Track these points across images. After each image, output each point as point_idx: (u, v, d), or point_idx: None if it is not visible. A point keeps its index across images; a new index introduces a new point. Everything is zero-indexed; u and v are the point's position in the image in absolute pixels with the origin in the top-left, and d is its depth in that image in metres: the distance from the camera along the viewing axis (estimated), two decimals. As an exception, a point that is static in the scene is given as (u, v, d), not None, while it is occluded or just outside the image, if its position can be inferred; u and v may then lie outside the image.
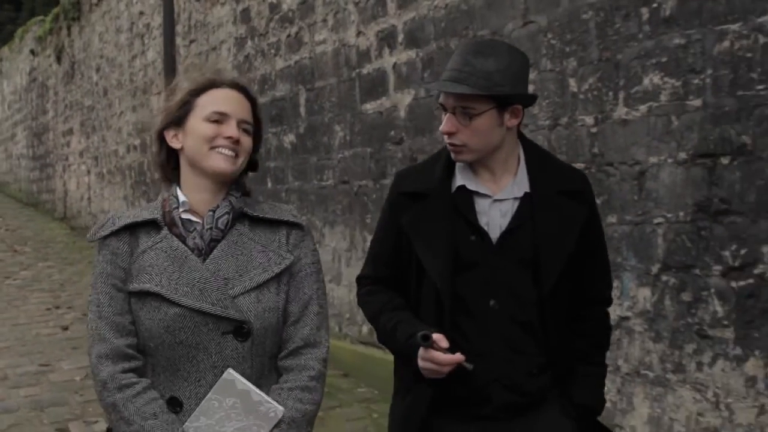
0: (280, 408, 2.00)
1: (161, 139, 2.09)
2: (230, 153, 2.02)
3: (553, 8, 4.32)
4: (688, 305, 3.64)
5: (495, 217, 2.30)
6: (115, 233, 2.02)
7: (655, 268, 3.79)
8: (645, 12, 3.79)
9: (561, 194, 2.32)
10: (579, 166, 4.17)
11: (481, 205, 2.30)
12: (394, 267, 2.39)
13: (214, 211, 2.05)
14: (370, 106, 5.98)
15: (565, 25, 4.25)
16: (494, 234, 2.29)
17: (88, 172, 15.12)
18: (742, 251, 3.40)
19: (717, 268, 3.50)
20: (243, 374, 1.98)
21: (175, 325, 1.96)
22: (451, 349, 2.20)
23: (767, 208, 3.31)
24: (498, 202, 2.31)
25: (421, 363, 2.21)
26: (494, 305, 2.27)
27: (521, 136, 2.41)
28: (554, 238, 2.28)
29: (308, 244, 2.15)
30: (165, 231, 2.03)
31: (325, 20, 6.57)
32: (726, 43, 3.44)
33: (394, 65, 5.66)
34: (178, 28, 9.98)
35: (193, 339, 1.98)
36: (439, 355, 2.17)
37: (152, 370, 2.01)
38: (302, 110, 7.03)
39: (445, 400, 2.30)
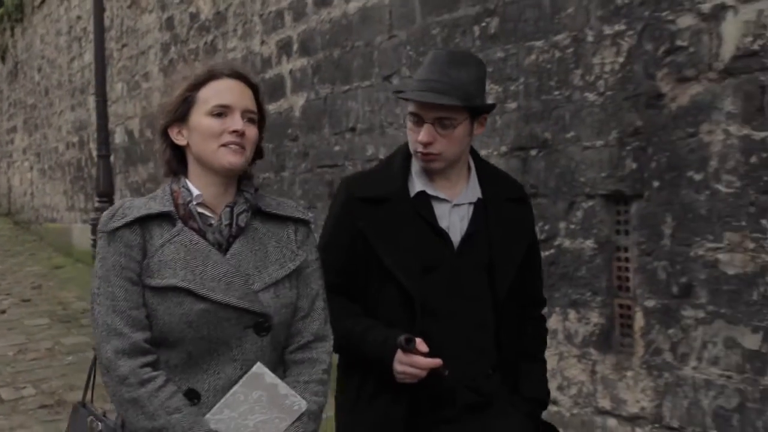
0: (304, 402, 1.98)
1: (165, 135, 1.99)
2: (238, 147, 1.94)
3: (410, 25, 5.02)
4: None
5: (455, 221, 2.32)
6: (126, 225, 1.90)
7: (485, 243, 4.51)
8: (477, 30, 4.50)
9: (509, 201, 2.39)
10: (430, 158, 4.88)
11: (441, 209, 2.32)
12: (345, 275, 2.32)
13: (231, 207, 1.98)
14: (271, 107, 6.62)
15: (419, 39, 4.95)
16: (455, 238, 2.31)
17: (31, 168, 15.49)
18: (546, 227, 4.13)
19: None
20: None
21: (200, 321, 1.89)
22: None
23: (563, 192, 4.04)
24: (457, 206, 2.33)
25: (399, 367, 2.18)
26: (457, 307, 2.28)
27: None
28: (507, 244, 2.34)
29: (312, 240, 2.12)
30: (180, 224, 1.93)
31: (235, 30, 7.20)
32: (533, 56, 4.17)
33: (290, 71, 6.31)
34: (112, 33, 10.50)
35: (215, 334, 1.91)
36: (419, 359, 2.15)
37: (165, 363, 1.92)
38: (218, 110, 7.66)
39: (409, 407, 2.28)
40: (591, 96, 3.87)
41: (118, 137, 10.64)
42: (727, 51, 3.29)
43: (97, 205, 8.85)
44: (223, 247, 1.95)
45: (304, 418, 1.97)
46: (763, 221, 3.20)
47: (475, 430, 2.29)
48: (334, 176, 5.75)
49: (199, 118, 1.93)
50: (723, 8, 3.29)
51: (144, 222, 1.91)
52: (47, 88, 14.10)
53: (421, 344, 2.15)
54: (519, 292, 2.37)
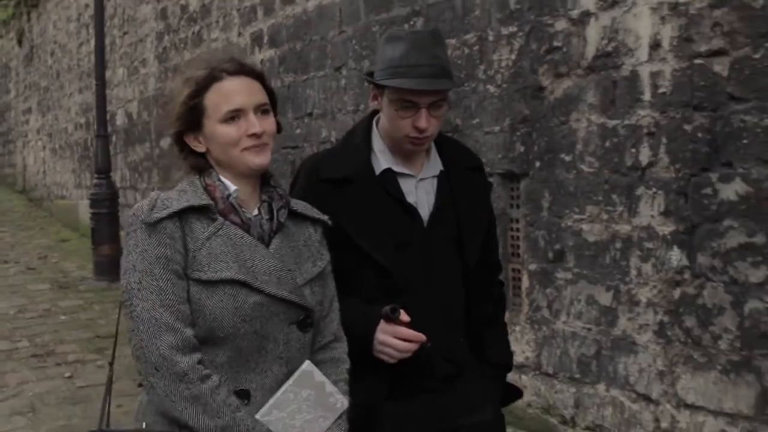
0: (346, 400, 1.94)
1: (182, 143, 1.92)
2: (260, 148, 1.86)
3: (356, 22, 5.60)
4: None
5: (422, 196, 2.28)
6: (169, 216, 1.82)
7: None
8: (407, 27, 5.08)
9: (468, 170, 2.36)
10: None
11: (407, 185, 2.27)
12: None
13: (269, 203, 1.92)
14: (246, 93, 7.22)
15: (363, 34, 5.53)
16: (424, 212, 2.27)
17: (44, 147, 16.19)
18: (458, 201, 4.72)
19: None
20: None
21: (253, 314, 1.82)
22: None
23: (471, 171, 4.62)
24: (422, 181, 2.28)
25: (381, 336, 2.13)
26: (432, 280, 2.25)
27: None
28: (473, 215, 2.32)
29: (326, 242, 2.05)
30: (221, 218, 1.85)
31: (217, 22, 7.80)
32: (449, 52, 4.73)
33: (261, 60, 6.90)
34: (115, 21, 11.13)
35: (265, 329, 1.85)
36: (402, 329, 2.12)
37: (211, 362, 1.82)
38: (202, 95, 8.28)
39: (379, 381, 2.25)
40: (491, 88, 4.45)
41: (119, 119, 11.29)
42: (590, 51, 3.86)
43: (95, 181, 9.47)
44: (265, 242, 1.89)
45: (343, 417, 1.95)
46: (614, 196, 3.78)
47: (450, 398, 2.29)
48: (295, 156, 6.34)
49: (214, 126, 1.85)
50: (588, 15, 3.85)
51: (182, 214, 1.83)
52: (59, 72, 14.78)
53: (404, 315, 2.12)
54: (481, 259, 2.35)
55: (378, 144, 2.27)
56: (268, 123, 1.88)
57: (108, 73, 11.05)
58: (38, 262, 10.72)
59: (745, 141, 3.21)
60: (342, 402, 1.93)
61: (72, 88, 13.81)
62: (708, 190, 3.35)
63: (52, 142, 15.46)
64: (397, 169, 2.25)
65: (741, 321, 3.27)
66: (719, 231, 3.32)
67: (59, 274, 9.87)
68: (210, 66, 1.85)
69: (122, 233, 9.46)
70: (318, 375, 1.89)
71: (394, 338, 2.11)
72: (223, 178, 1.88)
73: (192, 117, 1.85)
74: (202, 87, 1.84)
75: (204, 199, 1.85)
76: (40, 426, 4.88)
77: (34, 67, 16.97)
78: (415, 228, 2.25)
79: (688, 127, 3.41)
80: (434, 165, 2.30)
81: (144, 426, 1.85)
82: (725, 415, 3.36)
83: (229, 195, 1.87)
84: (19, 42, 18.22)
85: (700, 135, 3.37)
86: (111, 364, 2.04)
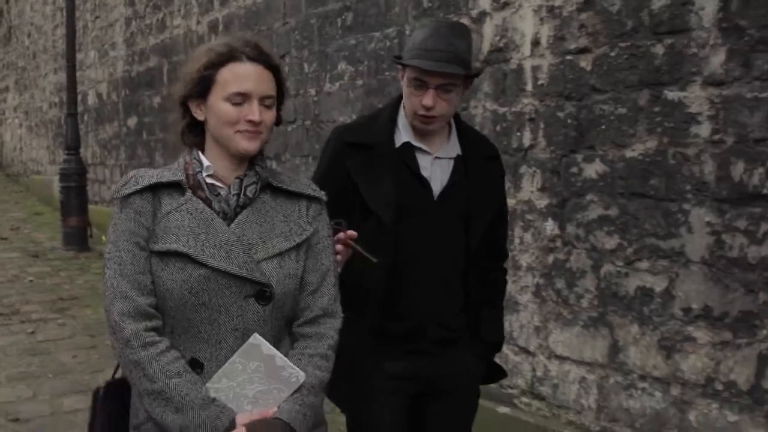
0: (302, 374, 1.90)
1: (185, 106, 1.94)
2: (254, 134, 1.90)
3: (297, 14, 6.01)
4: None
5: (436, 172, 2.39)
6: (138, 192, 1.87)
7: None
8: (339, 21, 5.50)
9: (486, 159, 2.48)
10: (307, 123, 5.91)
11: (423, 160, 2.38)
12: (332, 207, 2.20)
13: (241, 179, 1.94)
14: (203, 77, 7.62)
15: (303, 26, 5.95)
16: (436, 187, 2.38)
17: (20, 125, 16.43)
18: (380, 178, 5.16)
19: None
20: (262, 337, 1.88)
21: (199, 287, 1.84)
22: (398, 292, 2.34)
23: (391, 150, 5.07)
24: (438, 159, 2.39)
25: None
26: (435, 251, 2.37)
27: None
28: (483, 198, 2.42)
29: (325, 217, 2.05)
30: (189, 193, 1.90)
31: (179, 10, 8.16)
32: (373, 44, 5.17)
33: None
34: (87, 6, 11.43)
35: (215, 301, 1.85)
36: (341, 234, 2.18)
37: (170, 331, 1.87)
38: (165, 78, 8.64)
39: (383, 337, 2.37)
40: (408, 77, 4.88)
41: (90, 99, 11.61)
42: (486, 46, 4.30)
43: (65, 157, 9.81)
44: (229, 216, 1.90)
45: (303, 391, 1.89)
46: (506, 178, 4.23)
47: (440, 363, 2.41)
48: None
49: (217, 101, 1.87)
50: (484, 14, 4.30)
51: (156, 190, 1.89)
52: (35, 52, 15.02)
53: (351, 232, 2.19)
54: (488, 243, 2.48)
55: (402, 120, 2.40)
56: (269, 115, 1.91)
57: (80, 55, 11.38)
58: (11, 233, 11.05)
59: (603, 127, 3.68)
60: (297, 376, 1.88)
61: (47, 68, 14.08)
62: (575, 169, 3.82)
63: (29, 119, 15.71)
64: (416, 143, 2.38)
65: (598, 282, 3.75)
66: (583, 204, 3.79)
67: (30, 244, 10.23)
68: (231, 44, 1.88)
69: (90, 207, 9.83)
70: (266, 348, 1.87)
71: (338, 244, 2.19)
72: (201, 156, 1.93)
73: (201, 85, 1.88)
74: (218, 61, 1.87)
75: (177, 176, 1.90)
76: (1, 372, 5.30)
77: (12, 47, 17.16)
78: (425, 199, 2.36)
79: (560, 114, 3.87)
80: (453, 148, 2.42)
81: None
82: (585, 364, 3.84)
83: (198, 172, 1.91)
84: (-2, 22, 18.38)
85: (569, 121, 3.83)
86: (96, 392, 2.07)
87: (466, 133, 2.48)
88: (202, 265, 1.83)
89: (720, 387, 3.26)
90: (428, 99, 2.27)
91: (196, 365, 1.86)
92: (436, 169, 2.39)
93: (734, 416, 3.22)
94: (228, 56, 1.87)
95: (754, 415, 3.15)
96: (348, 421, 2.48)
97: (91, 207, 9.96)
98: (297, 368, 1.89)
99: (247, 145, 1.89)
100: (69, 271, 8.57)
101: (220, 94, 1.87)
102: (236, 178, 1.93)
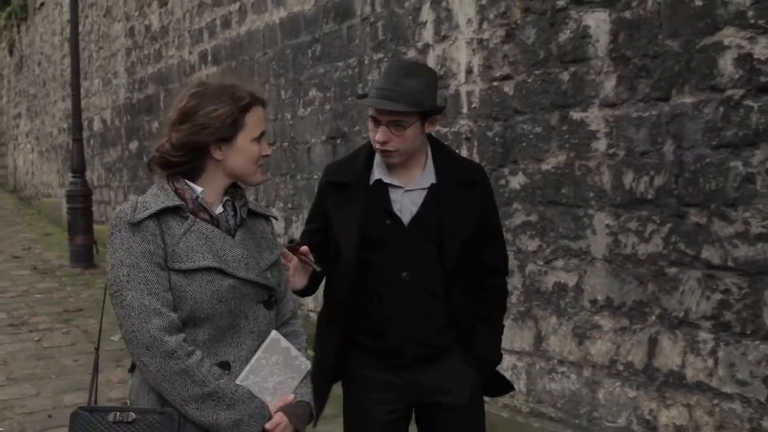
0: (308, 362, 2.17)
1: (203, 149, 2.04)
2: (263, 167, 2.14)
3: (274, 46, 6.58)
4: (327, 225, 5.97)
5: (407, 204, 2.51)
6: (150, 216, 1.98)
7: (314, 205, 6.09)
8: (309, 52, 6.06)
9: (461, 185, 2.55)
10: (285, 144, 6.47)
11: (395, 194, 2.51)
12: (312, 246, 2.48)
13: (233, 202, 2.11)
14: (195, 103, 8.20)
15: (279, 56, 6.51)
16: (406, 218, 2.50)
17: (32, 150, 17.10)
18: (347, 192, 5.70)
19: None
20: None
21: (228, 295, 2.00)
22: (372, 315, 2.53)
23: (355, 168, 5.60)
24: (409, 192, 2.52)
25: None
26: (406, 276, 2.49)
27: (429, 136, 2.61)
28: (455, 223, 2.51)
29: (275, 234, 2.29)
30: (192, 217, 2.02)
31: (173, 41, 8.76)
32: (338, 73, 5.72)
33: (206, 76, 7.87)
34: (92, 37, 12.08)
35: (238, 308, 2.03)
36: (286, 252, 2.36)
37: (193, 341, 2.00)
38: (162, 104, 9.23)
39: (365, 354, 2.56)
40: (367, 102, 5.43)
41: (96, 125, 12.23)
42: (430, 75, 4.83)
43: (71, 179, 10.40)
44: (231, 235, 2.08)
45: (308, 377, 2.19)
46: (446, 186, 4.76)
47: (424, 376, 2.54)
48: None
49: (247, 142, 2.04)
50: (428, 46, 4.83)
51: (160, 215, 1.99)
52: (45, 80, 15.69)
53: (303, 247, 2.37)
54: (475, 262, 2.59)
55: (378, 158, 2.53)
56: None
57: (86, 83, 12.02)
58: (22, 252, 11.64)
59: (524, 144, 4.20)
60: (306, 364, 2.16)
61: (56, 96, 14.73)
62: (503, 182, 4.33)
63: (40, 145, 16.37)
64: (387, 180, 2.52)
65: (524, 280, 4.25)
66: (510, 212, 4.30)
67: (40, 262, 10.80)
68: (250, 92, 2.06)
69: (96, 227, 10.41)
70: (284, 342, 2.11)
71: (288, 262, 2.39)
72: (189, 182, 2.05)
73: (231, 128, 2.02)
74: (248, 104, 2.04)
75: (176, 201, 2.01)
76: (10, 374, 5.85)
77: (23, 75, 17.87)
78: (394, 230, 2.49)
79: (489, 134, 4.40)
80: (427, 178, 2.53)
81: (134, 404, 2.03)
82: (515, 353, 4.33)
83: (197, 197, 2.04)
84: (11, 52, 19.11)
85: (497, 139, 4.35)
86: (97, 349, 2.21)
87: (443, 163, 2.57)
88: (231, 276, 2.01)
89: (621, 368, 3.75)
90: (379, 135, 2.42)
91: (225, 367, 2.02)
92: (407, 201, 2.52)
93: (633, 392, 3.70)
94: (252, 102, 2.05)
95: (648, 390, 3.63)
96: (344, 421, 2.70)
97: (96, 227, 10.52)
98: (304, 358, 2.16)
99: (261, 177, 2.15)
100: (75, 286, 9.12)
101: (248, 136, 2.05)
102: (227, 200, 2.10)
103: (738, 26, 3.16)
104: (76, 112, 10.28)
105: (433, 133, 2.66)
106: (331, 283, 2.61)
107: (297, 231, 6.34)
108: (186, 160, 2.04)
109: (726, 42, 3.20)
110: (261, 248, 2.14)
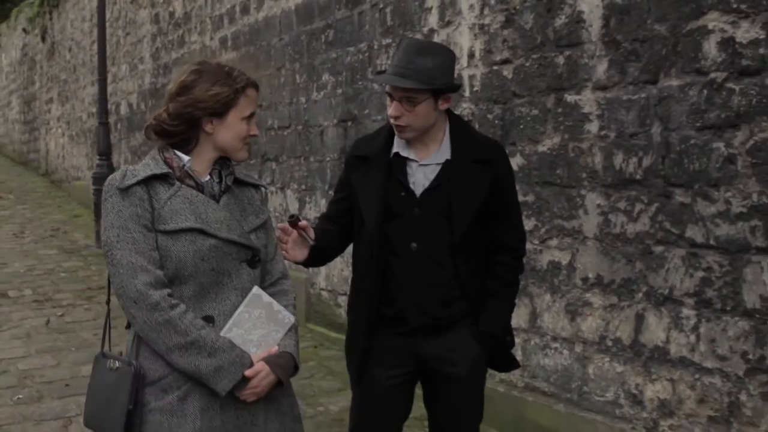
0: (292, 316, 2.31)
1: (196, 121, 2.19)
2: (249, 145, 2.28)
3: (290, 31, 6.74)
4: (337, 206, 6.13)
5: (420, 178, 2.62)
6: (137, 183, 2.13)
7: (326, 186, 6.25)
8: (323, 37, 6.21)
9: (474, 162, 2.62)
10: (299, 128, 6.63)
11: (411, 168, 2.63)
12: (338, 213, 2.77)
13: (219, 171, 2.27)
14: (215, 87, 8.39)
15: (295, 42, 6.67)
16: (418, 191, 2.61)
17: (63, 134, 17.46)
18: (356, 174, 5.84)
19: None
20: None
21: (210, 254, 2.16)
22: (383, 282, 2.65)
23: (364, 150, 5.74)
24: (423, 166, 2.63)
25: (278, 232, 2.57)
26: (415, 247, 2.61)
27: (450, 113, 2.72)
28: (464, 198, 2.59)
29: (266, 201, 2.72)
30: (178, 183, 2.18)
31: (196, 27, 8.96)
32: (349, 58, 5.87)
33: (226, 61, 8.04)
34: (120, 23, 12.33)
35: (220, 266, 2.19)
36: (286, 226, 2.55)
37: (179, 296, 2.15)
38: (184, 88, 9.44)
39: (378, 319, 2.67)
40: (376, 86, 5.55)
41: (123, 109, 12.50)
42: (435, 59, 4.96)
43: (97, 162, 10.67)
44: (216, 200, 2.23)
45: (292, 330, 2.31)
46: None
47: (427, 343, 2.65)
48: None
49: (237, 120, 2.20)
50: (433, 30, 4.96)
51: (149, 181, 2.16)
52: (75, 66, 16.00)
53: (302, 222, 2.56)
54: (487, 239, 2.67)
55: None
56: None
57: (114, 69, 12.28)
58: (51, 233, 11.95)
59: (521, 126, 4.32)
60: (289, 318, 2.28)
61: (86, 81, 15.03)
62: (502, 163, 4.45)
63: (70, 129, 16.71)
64: (403, 153, 2.64)
65: (521, 258, 4.38)
66: (508, 192, 4.42)
67: (67, 243, 11.09)
68: (246, 75, 2.25)
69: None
70: (265, 297, 2.25)
71: (282, 233, 2.56)
72: (177, 152, 2.20)
73: (225, 105, 2.18)
74: (242, 87, 2.20)
75: (164, 168, 2.17)
76: (32, 346, 6.11)
77: (55, 61, 18.21)
78: (407, 202, 2.60)
79: (489, 116, 4.52)
80: (442, 154, 2.63)
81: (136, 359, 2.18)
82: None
83: (183, 165, 2.19)
84: (43, 38, 19.47)
85: (496, 122, 4.48)
86: (108, 302, 2.38)
87: (460, 140, 2.65)
88: (212, 236, 2.16)
89: (610, 343, 3.88)
90: (392, 110, 2.55)
91: (209, 320, 2.17)
92: (420, 174, 2.62)
93: (621, 367, 3.83)
94: (248, 84, 2.23)
95: (635, 365, 3.75)
96: (352, 389, 2.83)
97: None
98: (288, 312, 2.28)
99: (246, 155, 2.29)
100: (99, 265, 9.37)
101: (239, 115, 2.21)
102: (214, 169, 2.26)
103: (721, 11, 3.25)
104: (103, 96, 10.52)
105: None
106: (356, 253, 2.74)
107: (311, 211, 6.51)
108: (179, 131, 2.19)
109: (710, 26, 3.30)
110: (246, 213, 2.29)
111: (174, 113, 2.18)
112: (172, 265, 2.14)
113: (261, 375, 2.19)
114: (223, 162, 2.29)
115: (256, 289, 2.23)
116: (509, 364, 2.85)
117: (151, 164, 2.19)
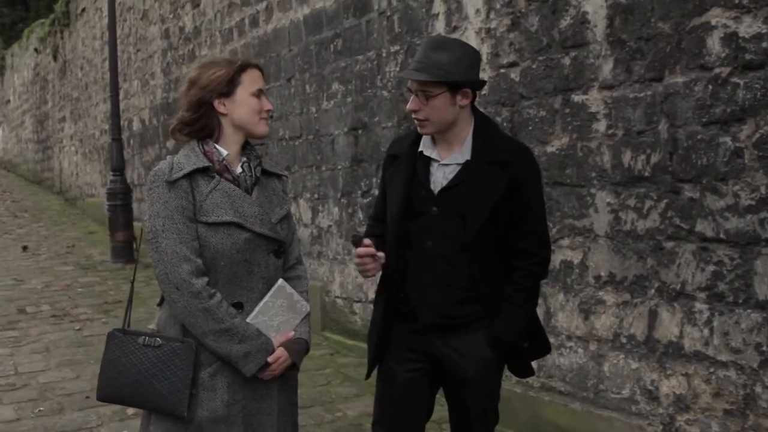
0: (308, 305, 2.55)
1: (209, 105, 2.37)
2: (267, 120, 2.45)
3: (299, 42, 6.83)
4: (350, 214, 6.19)
5: (439, 177, 2.67)
6: (183, 176, 2.30)
7: (338, 194, 6.33)
8: (332, 47, 6.30)
9: (491, 164, 2.63)
10: (310, 137, 6.72)
11: (432, 167, 2.69)
12: (383, 212, 2.85)
13: (249, 163, 2.45)
14: (226, 100, 8.51)
15: (304, 52, 6.76)
16: (437, 190, 2.67)
17: (76, 152, 17.65)
18: (371, 181, 5.91)
19: (361, 192, 6.03)
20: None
21: (244, 246, 2.35)
22: (400, 277, 2.72)
23: (374, 159, 5.82)
24: (443, 166, 2.67)
25: (357, 259, 2.70)
26: (430, 245, 2.66)
27: (477, 113, 2.74)
28: (478, 198, 2.61)
29: (287, 191, 2.59)
30: (217, 177, 2.35)
31: (206, 41, 9.08)
32: (358, 66, 5.95)
33: (236, 73, 8.17)
34: (130, 39, 12.49)
35: (252, 257, 2.38)
36: (359, 249, 2.66)
37: (215, 283, 2.35)
38: (196, 102, 9.56)
39: (397, 314, 2.76)
40: (386, 93, 5.64)
41: (135, 125, 12.65)
42: (443, 65, 5.03)
43: (111, 178, 10.80)
44: (249, 193, 2.42)
45: (307, 317, 2.55)
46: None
47: (439, 342, 2.69)
48: (261, 151, 7.59)
49: (246, 96, 2.38)
50: (455, 29, 5.04)
51: (191, 174, 2.33)
52: (87, 84, 16.20)
53: (367, 242, 2.67)
54: (503, 243, 2.66)
55: None
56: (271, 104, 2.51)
57: (125, 85, 12.43)
58: (67, 249, 12.09)
59: (530, 128, 4.38)
60: (306, 306, 2.53)
61: (98, 98, 15.22)
62: (512, 165, 4.51)
63: (83, 146, 16.90)
64: (427, 153, 2.71)
65: (534, 258, 4.43)
66: (519, 194, 4.48)
67: (83, 259, 11.22)
68: (244, 58, 2.49)
69: (136, 224, 10.78)
70: (289, 288, 2.49)
71: (357, 256, 2.68)
72: (217, 146, 2.39)
73: (228, 84, 2.37)
74: (240, 67, 2.40)
75: (205, 162, 2.34)
76: (51, 360, 6.20)
77: (67, 79, 18.44)
78: (426, 201, 2.66)
79: (498, 119, 4.58)
80: (463, 154, 2.66)
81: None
82: (527, 328, 4.51)
83: (222, 159, 2.38)
84: (54, 57, 19.72)
85: (505, 124, 4.54)
86: (132, 282, 2.68)
87: (482, 141, 2.66)
88: (248, 230, 2.36)
89: (624, 340, 3.92)
90: (410, 103, 2.64)
91: (239, 307, 2.39)
92: (439, 174, 2.66)
93: (635, 364, 3.87)
94: (246, 64, 2.44)
95: (649, 361, 3.79)
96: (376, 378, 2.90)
97: (136, 224, 10.89)
98: (305, 301, 2.53)
99: (266, 128, 2.46)
100: (116, 280, 9.50)
101: (247, 91, 2.40)
102: (245, 162, 2.44)
103: (724, 6, 3.31)
104: (115, 113, 10.66)
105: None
106: (386, 247, 2.78)
107: (324, 219, 6.59)
108: (196, 117, 2.39)
109: (713, 22, 3.35)
110: (273, 204, 2.47)
111: (188, 105, 2.40)
112: (210, 254, 2.34)
113: (280, 360, 2.45)
114: (249, 152, 2.47)
115: (281, 282, 2.46)
116: (523, 370, 2.87)
117: (192, 156, 2.36)
